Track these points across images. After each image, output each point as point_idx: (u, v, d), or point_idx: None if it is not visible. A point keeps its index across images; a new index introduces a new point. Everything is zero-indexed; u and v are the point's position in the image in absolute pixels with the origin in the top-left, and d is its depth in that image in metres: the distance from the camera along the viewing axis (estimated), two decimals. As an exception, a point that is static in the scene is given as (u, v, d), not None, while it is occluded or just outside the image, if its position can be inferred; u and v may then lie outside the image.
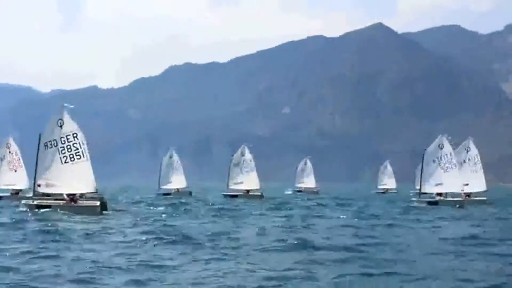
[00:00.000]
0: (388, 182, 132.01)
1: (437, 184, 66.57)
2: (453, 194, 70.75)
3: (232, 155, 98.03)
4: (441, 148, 66.58)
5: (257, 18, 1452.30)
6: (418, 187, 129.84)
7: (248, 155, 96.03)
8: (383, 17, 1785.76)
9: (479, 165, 73.21)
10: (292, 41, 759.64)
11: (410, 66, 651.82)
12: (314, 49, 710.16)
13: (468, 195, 72.30)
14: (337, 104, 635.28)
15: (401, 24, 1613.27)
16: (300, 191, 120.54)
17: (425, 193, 68.01)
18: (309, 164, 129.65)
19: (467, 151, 73.22)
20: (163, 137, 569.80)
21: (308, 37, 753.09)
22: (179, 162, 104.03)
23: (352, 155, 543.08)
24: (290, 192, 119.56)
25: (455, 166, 66.42)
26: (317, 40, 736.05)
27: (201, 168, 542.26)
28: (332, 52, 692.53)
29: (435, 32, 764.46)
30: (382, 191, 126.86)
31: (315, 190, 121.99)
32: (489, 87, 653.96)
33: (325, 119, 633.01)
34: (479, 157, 73.46)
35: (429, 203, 64.98)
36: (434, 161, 66.77)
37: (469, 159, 72.95)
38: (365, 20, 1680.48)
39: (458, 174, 67.16)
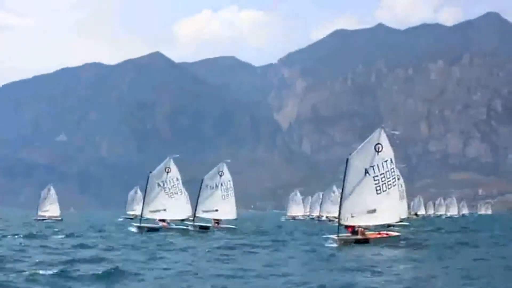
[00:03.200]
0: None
1: (160, 210, 61.94)
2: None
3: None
4: (167, 172, 62.07)
5: (33, 43, 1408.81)
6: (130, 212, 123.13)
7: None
8: (162, 46, 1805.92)
9: (231, 191, 70.02)
10: (70, 67, 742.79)
11: (187, 95, 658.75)
12: (92, 76, 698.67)
13: (218, 222, 69.20)
14: (114, 131, 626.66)
15: (179, 54, 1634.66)
16: (43, 219, 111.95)
17: (147, 219, 63.33)
18: (53, 191, 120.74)
19: (220, 176, 69.87)
20: None
21: (86, 64, 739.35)
22: None
23: (129, 182, 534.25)
24: (33, 220, 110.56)
25: (181, 192, 62.24)
26: (95, 67, 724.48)
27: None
28: (109, 79, 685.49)
29: (213, 62, 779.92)
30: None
31: (59, 218, 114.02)
32: (264, 117, 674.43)
33: (102, 146, 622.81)
34: (231, 183, 70.27)
35: (150, 229, 60.36)
36: (158, 185, 62.10)
37: (221, 184, 69.65)
38: (144, 48, 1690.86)
39: (184, 200, 63.24)
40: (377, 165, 42.13)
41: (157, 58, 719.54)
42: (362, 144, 43.53)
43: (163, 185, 61.89)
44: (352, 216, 42.61)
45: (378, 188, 42.15)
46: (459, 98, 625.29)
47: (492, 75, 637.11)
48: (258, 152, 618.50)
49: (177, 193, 61.90)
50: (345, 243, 42.15)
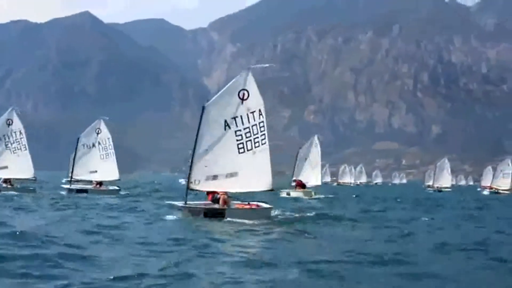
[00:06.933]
0: None
1: (2, 168, 57.26)
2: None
3: None
4: (9, 125, 57.18)
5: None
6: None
7: None
8: (91, 6, 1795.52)
9: (111, 150, 65.06)
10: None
11: (116, 56, 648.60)
12: (18, 33, 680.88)
13: (100, 183, 64.77)
14: (40, 91, 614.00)
15: (108, 14, 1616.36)
16: None
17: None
18: None
19: (98, 133, 64.52)
20: None
21: (12, 21, 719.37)
22: None
23: (54, 143, 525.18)
24: None
25: (25, 147, 57.63)
26: (21, 25, 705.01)
27: None
28: (36, 37, 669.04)
29: (142, 24, 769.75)
30: None
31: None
32: (193, 81, 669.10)
33: (27, 106, 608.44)
34: (111, 141, 65.21)
35: None
36: (0, 139, 57.27)
37: (99, 143, 64.63)
38: (73, 7, 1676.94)
39: (28, 157, 58.33)
40: (241, 116, 32.39)
41: (86, 18, 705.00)
42: (223, 89, 33.48)
43: (6, 139, 57.00)
44: (206, 180, 32.60)
45: (240, 145, 32.53)
46: (386, 69, 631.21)
47: (420, 47, 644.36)
48: (185, 116, 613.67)
49: (20, 149, 56.82)
50: (192, 214, 31.76)
